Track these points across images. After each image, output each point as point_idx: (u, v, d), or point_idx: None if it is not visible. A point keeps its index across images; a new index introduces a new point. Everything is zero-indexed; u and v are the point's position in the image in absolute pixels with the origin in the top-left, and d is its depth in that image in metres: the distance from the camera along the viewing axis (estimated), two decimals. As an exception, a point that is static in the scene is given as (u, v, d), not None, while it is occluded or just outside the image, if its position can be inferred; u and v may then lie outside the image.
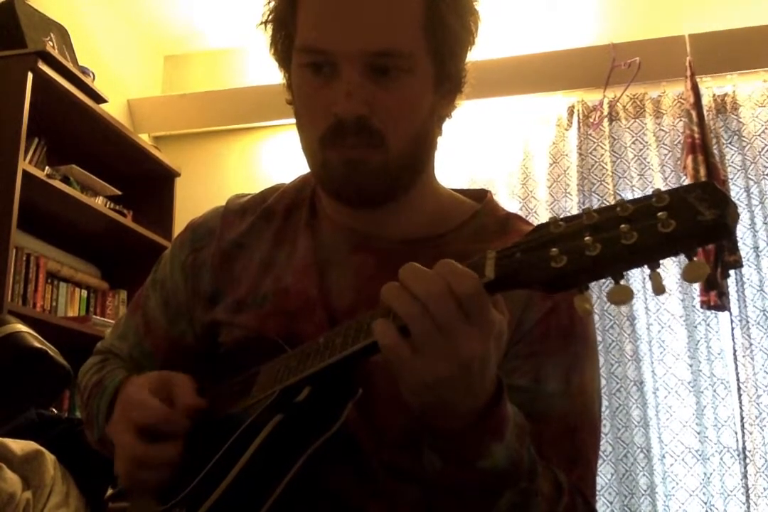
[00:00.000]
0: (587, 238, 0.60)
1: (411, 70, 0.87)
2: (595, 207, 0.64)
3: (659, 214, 0.57)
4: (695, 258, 0.58)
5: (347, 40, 0.85)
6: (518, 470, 0.76)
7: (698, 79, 3.16)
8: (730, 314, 3.02)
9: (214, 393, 0.91)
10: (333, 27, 0.86)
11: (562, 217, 0.64)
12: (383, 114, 0.87)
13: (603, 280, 0.62)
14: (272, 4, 0.94)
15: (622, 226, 0.59)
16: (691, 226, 0.56)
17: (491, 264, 0.66)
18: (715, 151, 3.09)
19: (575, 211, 3.07)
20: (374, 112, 0.86)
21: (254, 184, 2.70)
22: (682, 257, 0.58)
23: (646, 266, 0.60)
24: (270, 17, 0.94)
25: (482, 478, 0.74)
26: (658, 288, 0.59)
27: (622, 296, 0.60)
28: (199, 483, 0.83)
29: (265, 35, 0.96)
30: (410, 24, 0.87)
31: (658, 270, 0.59)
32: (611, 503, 2.98)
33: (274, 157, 3.65)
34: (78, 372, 1.11)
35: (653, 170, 3.21)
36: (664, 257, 0.59)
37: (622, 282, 0.61)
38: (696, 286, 3.00)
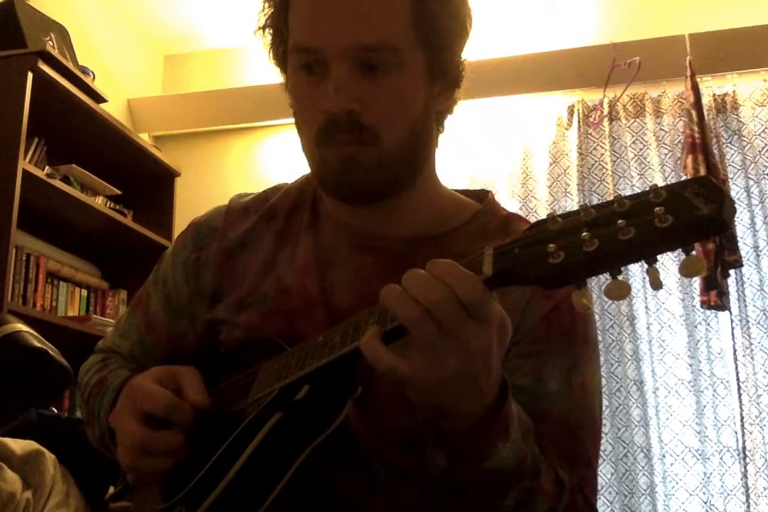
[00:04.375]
0: (584, 234, 0.60)
1: (401, 64, 0.87)
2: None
3: (656, 209, 0.57)
4: (692, 253, 0.58)
5: (335, 36, 0.86)
6: (523, 469, 0.76)
7: (698, 79, 3.16)
8: (730, 314, 3.02)
9: (215, 391, 0.91)
10: (321, 25, 0.87)
11: (559, 213, 0.65)
12: (374, 110, 0.87)
13: (603, 278, 0.62)
14: (266, 10, 0.95)
15: (620, 221, 0.59)
16: (688, 220, 0.56)
17: (489, 261, 0.66)
18: (715, 151, 3.08)
19: (575, 211, 3.06)
20: (365, 108, 0.86)
21: (254, 184, 2.70)
22: (682, 255, 0.58)
23: (643, 262, 0.60)
24: (265, 23, 0.95)
25: (488, 477, 0.74)
26: (655, 283, 0.59)
27: (620, 291, 0.60)
28: (199, 482, 0.83)
29: (263, 41, 0.96)
30: (398, 19, 0.87)
31: (656, 265, 0.59)
32: (611, 502, 2.97)
33: (274, 157, 3.65)
34: (78, 371, 1.11)
35: (653, 170, 3.21)
36: (661, 252, 0.59)
37: (620, 277, 0.61)
38: (696, 286, 3.00)
